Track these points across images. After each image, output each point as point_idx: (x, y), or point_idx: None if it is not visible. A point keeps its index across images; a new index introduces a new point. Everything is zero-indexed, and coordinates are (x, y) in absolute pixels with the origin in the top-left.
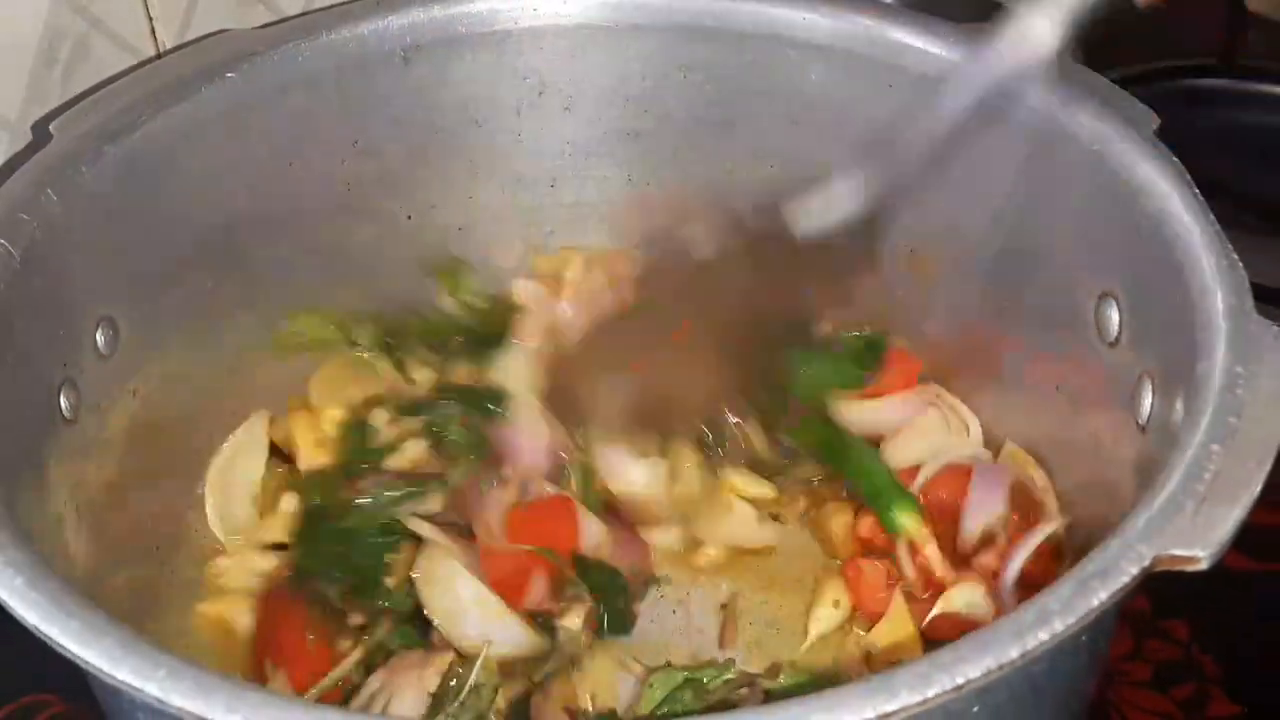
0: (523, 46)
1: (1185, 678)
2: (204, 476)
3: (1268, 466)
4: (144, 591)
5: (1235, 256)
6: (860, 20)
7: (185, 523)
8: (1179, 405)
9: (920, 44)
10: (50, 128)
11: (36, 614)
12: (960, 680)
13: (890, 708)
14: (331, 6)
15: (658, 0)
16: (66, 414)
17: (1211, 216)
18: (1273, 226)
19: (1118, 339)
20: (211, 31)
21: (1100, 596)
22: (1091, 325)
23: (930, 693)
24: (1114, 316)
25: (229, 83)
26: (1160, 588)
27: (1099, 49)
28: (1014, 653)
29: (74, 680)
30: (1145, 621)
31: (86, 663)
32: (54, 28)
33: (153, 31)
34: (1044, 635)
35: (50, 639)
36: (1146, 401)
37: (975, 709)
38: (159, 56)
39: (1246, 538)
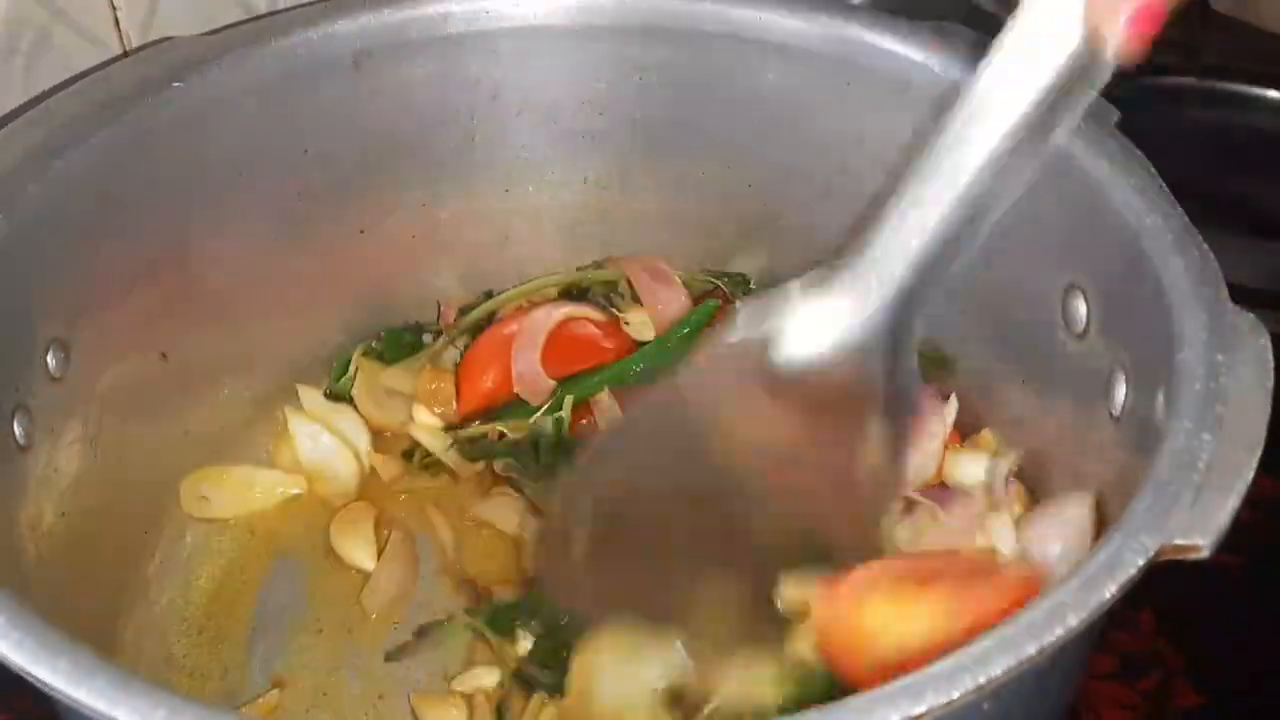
0: (475, 50)
1: (1150, 669)
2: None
3: (1258, 452)
4: (106, 617)
5: (1206, 247)
6: (817, 19)
7: (146, 547)
8: (1160, 396)
9: (878, 42)
10: None
11: (21, 654)
12: (983, 679)
13: (918, 710)
14: (283, 11)
15: (612, 1)
16: (20, 441)
17: (1179, 207)
18: (1239, 225)
19: (1085, 330)
20: (166, 34)
21: (1110, 590)
22: (1058, 317)
23: (955, 694)
24: (1081, 308)
25: (176, 93)
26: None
27: None
28: (1032, 649)
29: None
30: (1110, 613)
31: (77, 701)
32: (15, 19)
33: (116, 22)
34: (1060, 631)
35: (39, 681)
36: (1119, 392)
37: (986, 706)
38: (123, 49)
39: None
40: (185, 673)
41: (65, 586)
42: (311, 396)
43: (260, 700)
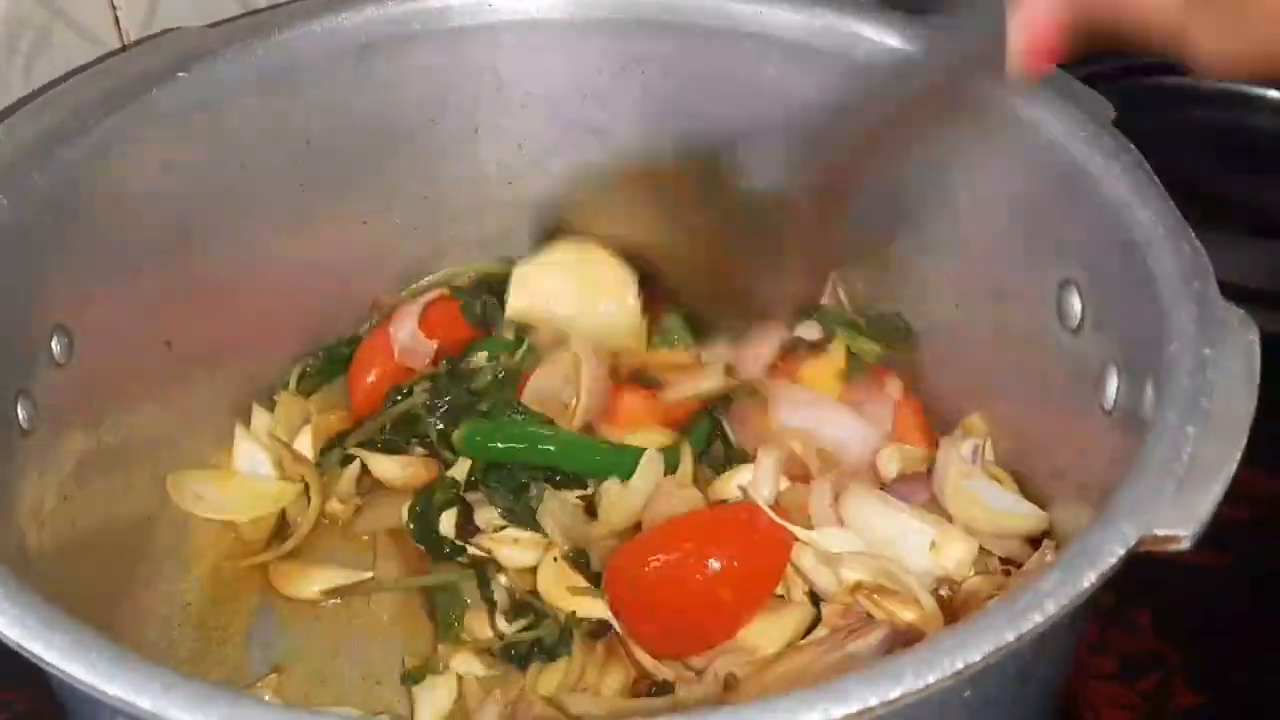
0: (478, 43)
1: (1149, 669)
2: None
3: (1241, 446)
4: (106, 604)
5: (1197, 242)
6: (816, 13)
7: (147, 534)
8: (1149, 389)
9: (876, 36)
10: None
11: (19, 630)
12: (961, 665)
13: (894, 694)
14: (284, 3)
15: None
16: (24, 425)
17: (1171, 202)
18: (1239, 225)
19: (1080, 325)
20: (166, 29)
21: (1090, 578)
22: (1053, 312)
23: (931, 678)
24: (1076, 303)
25: (180, 83)
26: (1122, 580)
27: None
28: (1010, 636)
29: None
30: (1109, 614)
31: (73, 677)
32: (15, 18)
33: (116, 21)
34: (1038, 618)
35: (35, 656)
36: (1112, 386)
37: (968, 693)
38: (123, 47)
39: (1206, 530)
40: (185, 659)
41: (66, 571)
42: (261, 419)
43: (259, 684)
